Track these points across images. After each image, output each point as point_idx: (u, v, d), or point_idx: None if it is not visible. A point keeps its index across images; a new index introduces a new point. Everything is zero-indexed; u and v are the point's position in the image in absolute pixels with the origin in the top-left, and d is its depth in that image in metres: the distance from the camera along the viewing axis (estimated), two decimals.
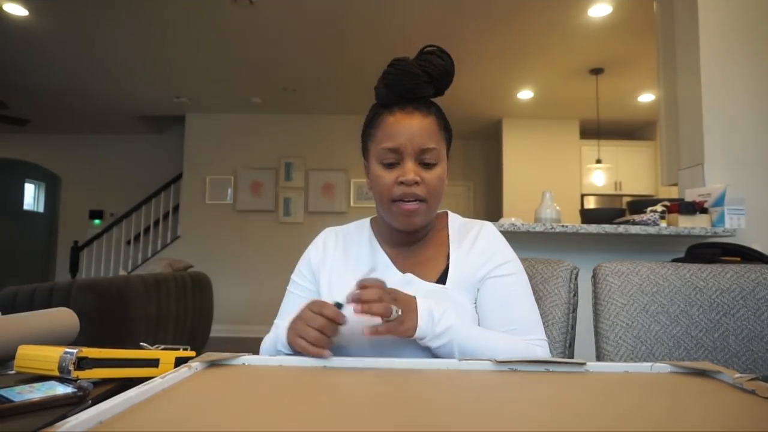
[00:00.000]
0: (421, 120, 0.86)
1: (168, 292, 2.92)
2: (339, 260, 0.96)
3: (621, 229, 2.21)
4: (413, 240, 0.94)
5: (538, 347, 0.84)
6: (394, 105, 0.87)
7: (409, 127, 0.85)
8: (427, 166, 0.86)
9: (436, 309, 0.77)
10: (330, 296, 0.88)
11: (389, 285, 0.87)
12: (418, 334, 0.74)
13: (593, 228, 2.22)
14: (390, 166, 0.86)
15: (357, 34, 4.02)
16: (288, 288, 1.00)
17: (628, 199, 4.36)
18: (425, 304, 0.77)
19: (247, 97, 5.58)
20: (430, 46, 0.88)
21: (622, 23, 3.77)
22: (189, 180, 6.11)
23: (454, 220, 0.98)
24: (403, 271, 0.91)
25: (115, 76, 5.01)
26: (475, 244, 0.91)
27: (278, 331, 0.83)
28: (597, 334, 1.01)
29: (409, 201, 0.85)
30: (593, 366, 0.71)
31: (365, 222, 1.01)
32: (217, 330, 3.72)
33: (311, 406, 0.52)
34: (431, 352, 0.79)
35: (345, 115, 6.07)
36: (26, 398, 0.57)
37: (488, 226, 0.95)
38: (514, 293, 0.88)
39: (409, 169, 0.84)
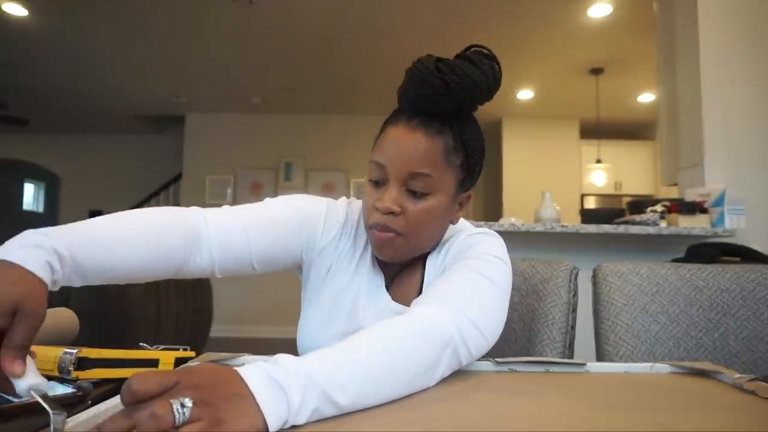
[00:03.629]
0: (420, 139, 0.70)
1: (168, 292, 2.92)
2: (344, 262, 0.83)
3: (621, 229, 2.21)
4: (409, 261, 0.81)
5: (441, 323, 0.60)
6: (404, 114, 0.73)
7: (402, 144, 0.70)
8: (415, 194, 0.72)
9: (275, 369, 0.45)
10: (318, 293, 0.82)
11: (377, 311, 0.78)
12: (273, 426, 0.42)
13: (593, 228, 2.22)
14: (376, 184, 0.74)
15: (357, 34, 4.02)
16: (271, 202, 0.81)
17: (628, 199, 4.36)
18: (256, 371, 0.45)
19: (247, 97, 5.58)
20: (475, 46, 0.71)
21: (622, 23, 3.77)
22: (189, 180, 6.10)
23: (456, 233, 0.81)
24: (393, 295, 0.80)
25: (115, 76, 5.00)
26: (451, 249, 0.78)
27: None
28: (597, 334, 1.01)
29: (382, 230, 0.72)
30: (593, 366, 0.71)
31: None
32: (216, 330, 3.73)
33: None
34: None
35: (345, 115, 6.07)
36: (26, 398, 0.57)
37: (486, 235, 0.77)
38: (458, 269, 0.70)
39: (387, 196, 0.71)
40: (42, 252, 0.53)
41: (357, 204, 0.87)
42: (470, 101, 0.71)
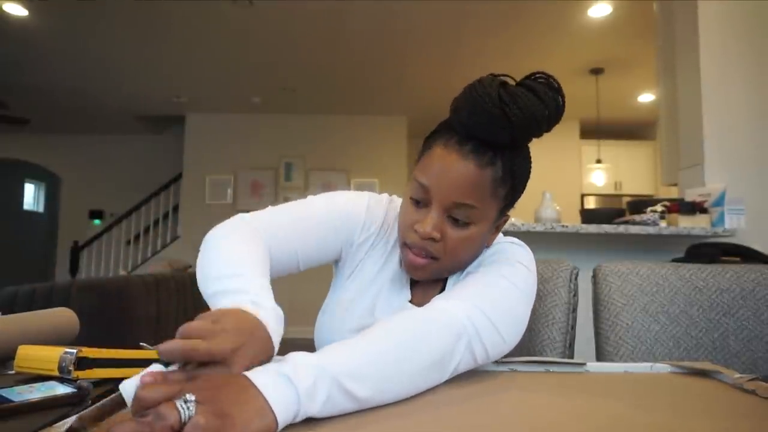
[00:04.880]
0: (471, 169, 0.67)
1: (168, 292, 2.92)
2: (373, 260, 0.83)
3: (621, 229, 2.21)
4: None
5: (446, 311, 0.61)
6: (457, 135, 0.68)
7: (451, 171, 0.67)
8: (456, 222, 0.70)
9: (281, 364, 0.47)
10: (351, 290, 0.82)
11: (394, 310, 0.78)
12: (282, 415, 0.43)
13: (593, 228, 2.22)
14: (417, 203, 0.71)
15: (357, 34, 4.02)
16: (315, 202, 0.82)
17: (628, 199, 4.36)
18: (262, 370, 0.46)
19: (247, 97, 5.58)
20: (542, 75, 0.67)
21: (622, 23, 3.77)
22: (189, 180, 6.11)
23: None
24: (414, 297, 0.80)
25: (115, 76, 5.00)
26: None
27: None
28: (597, 334, 1.01)
29: (417, 253, 0.71)
30: (593, 366, 0.71)
31: None
32: None
33: None
34: None
35: (345, 115, 6.07)
36: (26, 398, 0.57)
37: (512, 244, 0.78)
38: (480, 272, 0.71)
39: (429, 221, 0.69)
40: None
41: (397, 203, 0.87)
42: (527, 135, 0.67)
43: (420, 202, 0.71)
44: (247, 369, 0.47)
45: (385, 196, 0.89)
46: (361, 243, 0.83)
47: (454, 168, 0.67)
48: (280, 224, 0.77)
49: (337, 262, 0.87)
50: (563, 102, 0.66)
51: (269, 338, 0.53)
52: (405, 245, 0.73)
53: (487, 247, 0.79)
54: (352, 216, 0.83)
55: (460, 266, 0.76)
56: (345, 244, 0.83)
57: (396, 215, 0.84)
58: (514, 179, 0.71)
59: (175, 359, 0.46)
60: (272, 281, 0.69)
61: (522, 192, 0.76)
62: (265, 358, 0.51)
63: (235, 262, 0.63)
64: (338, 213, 0.82)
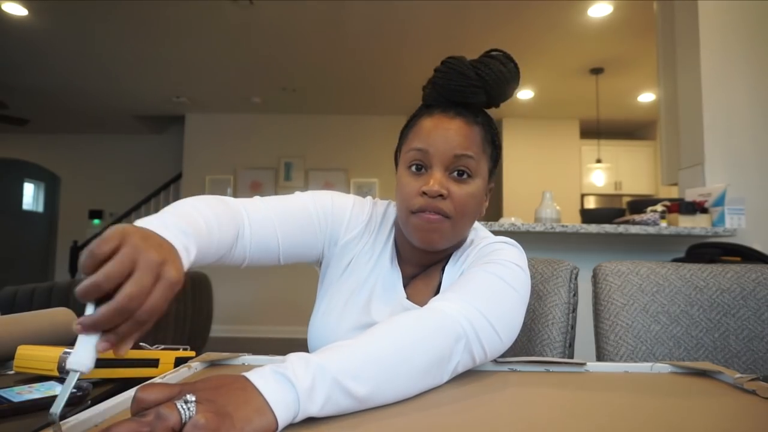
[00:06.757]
0: (461, 125, 0.74)
1: None
2: (363, 260, 0.84)
3: (621, 229, 2.21)
4: (432, 261, 0.82)
5: (445, 311, 0.61)
6: (437, 107, 0.77)
7: (444, 130, 0.73)
8: (460, 177, 0.74)
9: (280, 365, 0.47)
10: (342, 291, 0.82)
11: (390, 308, 0.78)
12: (282, 415, 0.43)
13: (593, 228, 2.22)
14: (417, 172, 0.75)
15: (357, 33, 4.02)
16: (300, 196, 0.83)
17: (628, 199, 4.36)
18: (261, 370, 0.46)
19: (247, 96, 5.58)
20: (495, 50, 0.77)
21: (622, 23, 3.77)
22: (189, 180, 6.10)
23: (476, 236, 0.82)
24: (409, 297, 0.80)
25: (115, 76, 5.00)
26: (470, 256, 0.78)
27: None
28: (597, 334, 1.01)
29: (430, 213, 0.73)
30: (593, 366, 0.71)
31: (392, 229, 0.86)
32: (216, 330, 3.73)
33: None
34: None
35: (345, 115, 6.07)
36: (26, 398, 0.57)
37: (505, 243, 0.78)
38: (475, 272, 0.71)
39: (436, 179, 0.72)
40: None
41: (382, 205, 0.90)
42: (498, 95, 0.76)
43: (420, 167, 0.75)
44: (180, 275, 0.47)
45: (369, 198, 0.90)
46: (346, 243, 0.84)
47: (446, 127, 0.74)
48: (264, 211, 0.78)
49: (321, 263, 0.87)
50: (518, 69, 0.78)
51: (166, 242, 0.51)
52: (415, 213, 0.74)
53: (481, 214, 0.80)
54: (336, 214, 0.84)
55: (465, 229, 0.78)
56: (328, 243, 0.84)
57: (382, 218, 0.87)
58: (494, 141, 0.80)
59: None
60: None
61: (500, 159, 0.83)
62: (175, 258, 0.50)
63: (180, 212, 0.61)
64: (322, 209, 0.83)
